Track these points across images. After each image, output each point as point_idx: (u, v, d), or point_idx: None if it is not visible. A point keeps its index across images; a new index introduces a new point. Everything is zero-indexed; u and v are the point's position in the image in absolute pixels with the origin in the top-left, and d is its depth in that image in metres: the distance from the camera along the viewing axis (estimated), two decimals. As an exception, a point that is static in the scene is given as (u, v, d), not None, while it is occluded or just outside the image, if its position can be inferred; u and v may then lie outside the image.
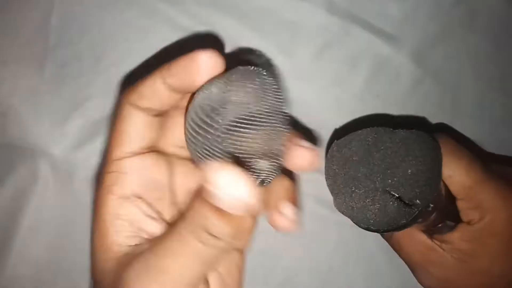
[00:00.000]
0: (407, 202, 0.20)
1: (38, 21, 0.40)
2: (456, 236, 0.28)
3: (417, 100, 0.42)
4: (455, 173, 0.27)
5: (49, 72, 0.39)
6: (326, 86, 0.41)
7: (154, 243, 0.19)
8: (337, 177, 0.22)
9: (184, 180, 0.22)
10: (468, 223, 0.27)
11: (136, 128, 0.20)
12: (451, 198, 0.28)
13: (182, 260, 0.17)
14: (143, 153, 0.20)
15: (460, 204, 0.28)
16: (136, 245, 0.19)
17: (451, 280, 0.28)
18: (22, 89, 0.39)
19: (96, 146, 0.39)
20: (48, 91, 0.39)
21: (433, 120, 0.42)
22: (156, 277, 0.17)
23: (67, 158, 0.39)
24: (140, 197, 0.20)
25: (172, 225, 0.18)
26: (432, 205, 0.22)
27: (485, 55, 0.42)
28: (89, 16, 0.40)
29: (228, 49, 0.41)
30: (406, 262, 0.30)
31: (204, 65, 0.19)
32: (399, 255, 0.30)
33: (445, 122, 0.42)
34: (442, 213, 0.27)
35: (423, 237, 0.29)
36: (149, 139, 0.20)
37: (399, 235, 0.30)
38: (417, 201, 0.21)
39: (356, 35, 0.42)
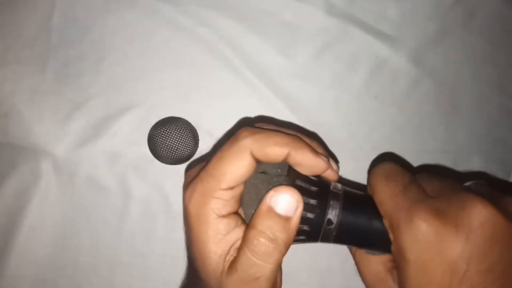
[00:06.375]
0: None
1: (39, 22, 0.40)
2: (388, 258, 0.27)
3: (415, 100, 0.42)
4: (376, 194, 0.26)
5: (51, 72, 0.40)
6: (325, 87, 0.42)
7: (237, 254, 0.24)
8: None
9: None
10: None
11: (245, 169, 0.24)
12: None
13: (259, 261, 0.23)
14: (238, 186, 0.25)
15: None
16: (227, 253, 0.24)
17: None
18: (24, 89, 0.39)
19: (98, 146, 0.39)
20: (50, 91, 0.40)
21: (431, 119, 0.42)
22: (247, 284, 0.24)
23: (69, 158, 0.39)
24: (229, 217, 0.25)
25: (244, 238, 0.24)
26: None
27: (483, 55, 0.43)
28: (90, 17, 0.40)
29: (228, 49, 0.41)
30: (364, 283, 0.29)
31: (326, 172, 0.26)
32: (360, 275, 0.30)
33: (442, 121, 0.42)
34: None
35: (379, 261, 0.28)
36: (246, 177, 0.25)
37: (358, 258, 0.29)
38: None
39: (354, 36, 0.42)
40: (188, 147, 0.39)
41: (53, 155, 0.39)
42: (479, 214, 0.22)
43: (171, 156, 0.39)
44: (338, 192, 0.26)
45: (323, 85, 0.42)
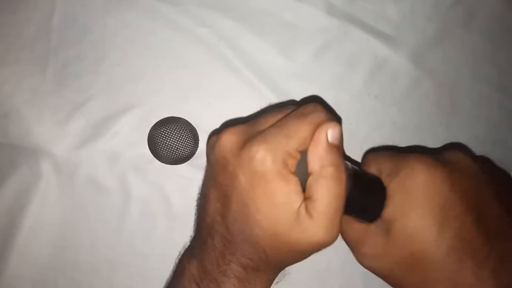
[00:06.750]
0: None
1: (39, 22, 0.40)
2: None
3: (415, 100, 0.42)
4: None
5: (51, 73, 0.40)
6: (325, 87, 0.42)
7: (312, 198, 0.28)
8: None
9: None
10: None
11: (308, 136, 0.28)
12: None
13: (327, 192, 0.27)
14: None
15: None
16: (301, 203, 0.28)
17: (380, 256, 0.31)
18: (24, 89, 0.39)
19: (98, 146, 0.39)
20: (50, 92, 0.40)
21: (431, 119, 0.42)
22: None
23: (69, 158, 0.39)
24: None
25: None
26: None
27: (483, 55, 0.43)
28: (90, 17, 0.40)
29: (228, 50, 0.41)
30: (347, 244, 0.34)
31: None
32: (344, 239, 0.34)
33: (442, 122, 0.42)
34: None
35: (360, 224, 0.32)
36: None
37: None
38: None
39: (354, 36, 0.42)
40: (188, 147, 0.39)
41: (53, 155, 0.39)
42: (455, 153, 0.31)
43: (171, 156, 0.39)
44: (348, 171, 0.30)
45: (323, 85, 0.42)
